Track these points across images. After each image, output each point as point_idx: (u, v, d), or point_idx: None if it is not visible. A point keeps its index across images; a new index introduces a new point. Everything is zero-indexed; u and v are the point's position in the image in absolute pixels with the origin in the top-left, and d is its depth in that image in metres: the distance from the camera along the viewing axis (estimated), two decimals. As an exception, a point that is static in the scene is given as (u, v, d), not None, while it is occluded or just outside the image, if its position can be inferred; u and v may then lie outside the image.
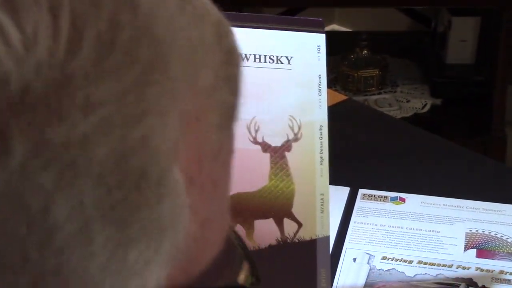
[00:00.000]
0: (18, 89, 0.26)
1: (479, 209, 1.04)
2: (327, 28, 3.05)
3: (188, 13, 0.32)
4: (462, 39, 2.41)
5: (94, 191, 0.27)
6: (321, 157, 0.72)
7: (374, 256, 0.96)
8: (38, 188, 0.26)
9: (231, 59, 0.34)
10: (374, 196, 1.07)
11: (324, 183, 0.72)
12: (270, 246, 0.72)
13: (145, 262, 0.29)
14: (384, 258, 0.96)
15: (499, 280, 0.92)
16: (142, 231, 0.29)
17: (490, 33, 2.36)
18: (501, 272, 0.93)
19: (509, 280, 0.92)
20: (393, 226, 1.01)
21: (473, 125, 2.36)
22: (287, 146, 0.71)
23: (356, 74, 2.43)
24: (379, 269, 0.94)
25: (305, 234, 0.72)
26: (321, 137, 0.72)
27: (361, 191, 1.07)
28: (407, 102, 2.41)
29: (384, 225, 1.01)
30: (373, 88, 2.44)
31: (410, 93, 2.44)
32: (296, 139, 0.71)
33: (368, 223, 1.01)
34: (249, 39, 0.69)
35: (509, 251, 0.96)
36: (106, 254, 0.28)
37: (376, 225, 1.01)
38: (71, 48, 0.27)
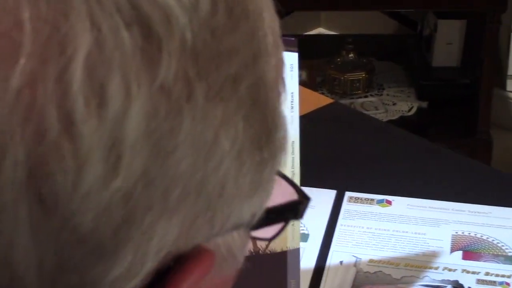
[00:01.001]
0: (190, 43, 0.30)
1: (465, 211, 1.04)
2: (314, 32, 3.05)
3: None
4: (448, 42, 2.42)
5: (243, 123, 0.32)
6: (292, 172, 0.74)
7: (360, 258, 0.96)
8: (210, 123, 0.31)
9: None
10: (361, 198, 1.07)
11: None
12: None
13: (272, 180, 0.36)
14: (370, 260, 0.96)
15: (485, 282, 0.93)
16: (270, 152, 0.35)
17: (476, 36, 2.37)
18: (487, 273, 0.94)
19: (494, 282, 0.93)
20: (379, 229, 1.01)
21: (459, 128, 2.36)
22: None
23: (342, 77, 2.44)
24: (366, 272, 0.94)
25: (276, 246, 0.73)
26: (293, 153, 0.74)
27: (348, 194, 1.08)
28: (393, 105, 2.41)
29: (371, 228, 1.01)
30: (359, 91, 2.45)
31: (396, 96, 2.45)
32: None
33: (354, 226, 1.02)
34: None
35: (495, 253, 0.97)
36: (251, 173, 0.34)
37: (362, 227, 1.01)
38: (213, 5, 0.31)
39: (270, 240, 0.43)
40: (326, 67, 2.48)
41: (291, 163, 0.74)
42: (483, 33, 2.25)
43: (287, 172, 0.74)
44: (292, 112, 0.74)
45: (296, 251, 0.73)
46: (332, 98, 1.51)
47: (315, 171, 1.14)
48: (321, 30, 3.07)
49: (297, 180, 0.74)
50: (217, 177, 0.32)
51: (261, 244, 0.73)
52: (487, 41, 2.22)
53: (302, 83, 2.40)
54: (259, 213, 0.36)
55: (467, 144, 2.28)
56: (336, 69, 2.45)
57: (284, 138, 0.36)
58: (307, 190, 1.08)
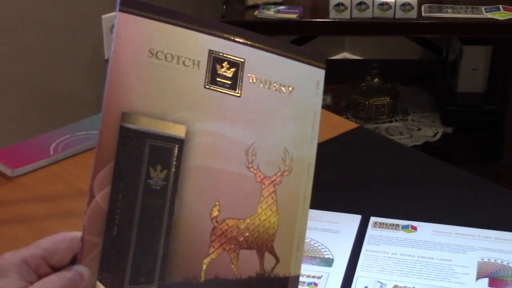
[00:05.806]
0: None
1: (491, 238, 1.03)
2: (338, 56, 3.06)
3: None
4: (473, 67, 2.41)
5: None
6: (304, 195, 0.72)
7: (385, 284, 0.96)
8: None
9: None
10: (386, 224, 1.06)
11: (303, 221, 0.72)
12: (250, 278, 0.71)
13: None
14: (395, 286, 0.95)
15: (511, 310, 0.92)
16: None
17: (502, 62, 2.37)
18: (514, 301, 0.93)
19: (521, 310, 0.92)
20: (404, 255, 1.01)
21: (484, 154, 2.35)
22: (277, 178, 0.71)
23: (367, 102, 2.43)
24: (391, 298, 0.94)
25: (280, 271, 0.71)
26: (307, 175, 0.71)
27: (373, 219, 1.07)
28: (418, 130, 2.41)
29: (396, 253, 1.01)
30: (384, 116, 2.44)
31: (421, 121, 2.45)
32: (286, 172, 0.71)
33: (379, 251, 1.01)
34: (260, 63, 0.69)
35: (522, 281, 0.96)
36: None
37: (387, 253, 1.01)
38: None
39: None
40: (351, 92, 2.48)
41: (304, 185, 0.71)
42: (508, 59, 2.25)
43: (300, 195, 0.71)
44: (312, 131, 0.71)
45: (296, 279, 0.72)
46: (357, 123, 1.51)
47: (340, 196, 1.14)
48: (346, 55, 3.08)
49: (307, 204, 0.71)
50: None
51: (266, 267, 0.71)
52: (513, 67, 2.21)
53: (326, 107, 2.40)
54: None
55: (493, 170, 2.27)
56: (361, 93, 2.45)
57: None
58: (331, 214, 1.08)
